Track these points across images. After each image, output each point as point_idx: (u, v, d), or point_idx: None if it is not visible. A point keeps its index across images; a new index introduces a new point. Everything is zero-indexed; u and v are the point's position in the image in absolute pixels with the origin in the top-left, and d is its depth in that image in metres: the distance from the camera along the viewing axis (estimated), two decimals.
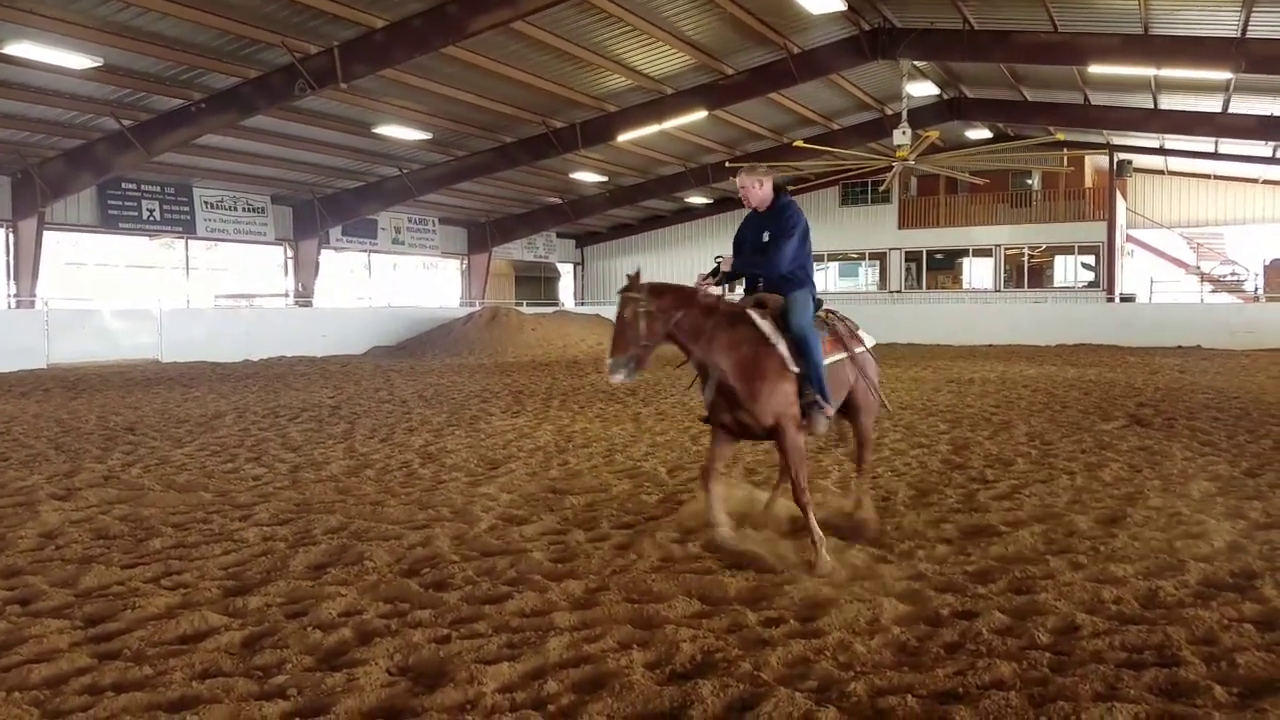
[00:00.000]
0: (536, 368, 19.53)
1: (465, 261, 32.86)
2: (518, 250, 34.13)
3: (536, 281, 36.13)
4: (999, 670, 3.44)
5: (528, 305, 31.23)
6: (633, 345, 4.77)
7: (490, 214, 31.61)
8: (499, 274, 34.34)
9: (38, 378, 16.60)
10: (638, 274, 4.95)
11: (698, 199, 33.11)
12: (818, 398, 4.92)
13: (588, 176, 27.93)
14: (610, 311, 25.08)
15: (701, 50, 18.63)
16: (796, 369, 4.89)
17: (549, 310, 30.77)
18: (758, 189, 5.25)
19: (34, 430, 9.88)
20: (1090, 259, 30.69)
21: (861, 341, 5.51)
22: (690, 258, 35.41)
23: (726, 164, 24.41)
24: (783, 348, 4.89)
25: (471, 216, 31.49)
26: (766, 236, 5.19)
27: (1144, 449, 8.29)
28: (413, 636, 3.82)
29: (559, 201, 30.93)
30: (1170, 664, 3.49)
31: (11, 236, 19.93)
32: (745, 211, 5.49)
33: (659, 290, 4.90)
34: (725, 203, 33.71)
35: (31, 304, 19.91)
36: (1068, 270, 31.89)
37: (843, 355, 5.29)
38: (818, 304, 5.27)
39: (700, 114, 21.26)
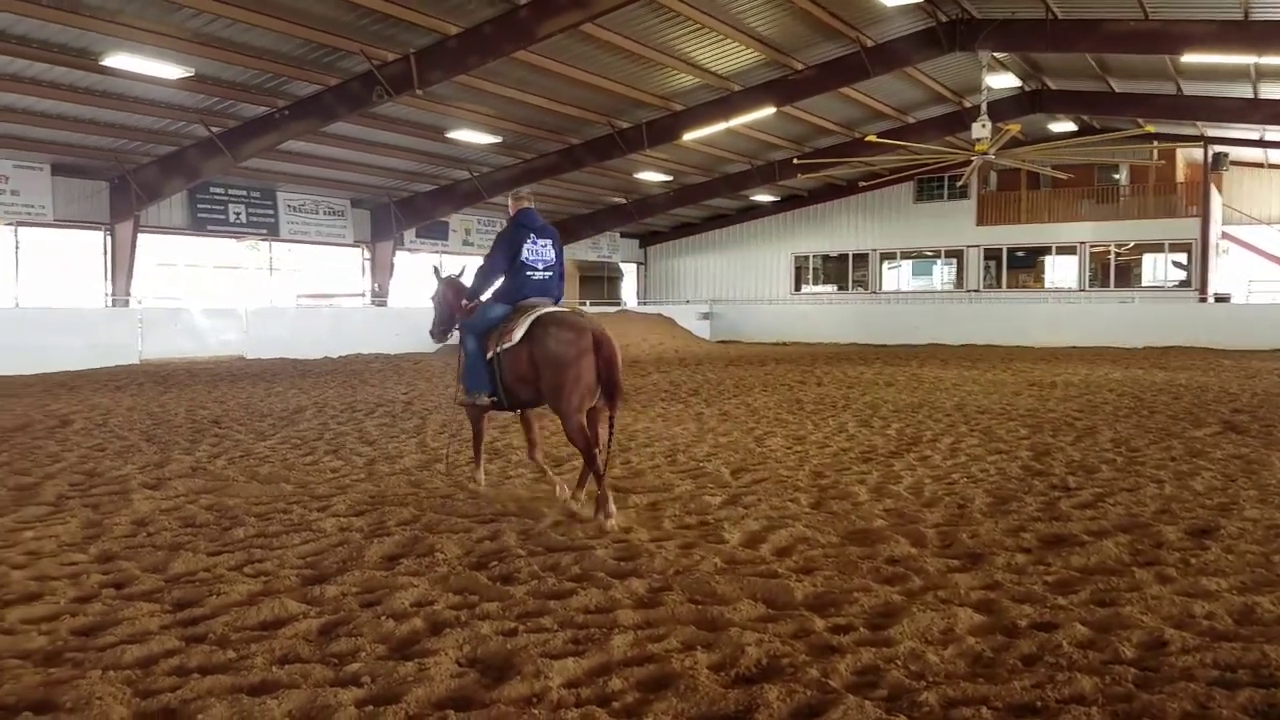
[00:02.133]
0: None
1: None
2: (582, 250, 34.30)
3: (600, 281, 36.26)
4: (1080, 684, 3.31)
5: (591, 305, 31.41)
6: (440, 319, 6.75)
7: (556, 215, 31.86)
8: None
9: (131, 373, 17.33)
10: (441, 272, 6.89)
11: (764, 197, 32.82)
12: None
13: (652, 176, 27.95)
14: (673, 310, 25.19)
15: (771, 46, 18.46)
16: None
17: (612, 310, 30.87)
18: (510, 210, 6.45)
19: (128, 422, 10.33)
20: (1182, 257, 29.43)
21: (509, 338, 5.95)
22: (756, 256, 35.21)
23: (795, 160, 24.12)
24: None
25: None
26: None
27: (1239, 457, 7.92)
28: (481, 628, 3.87)
29: (623, 202, 31.03)
30: (1267, 684, 3.31)
31: (109, 239, 20.85)
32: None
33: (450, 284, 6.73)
34: (792, 200, 33.34)
35: (126, 303, 20.80)
36: (1157, 269, 30.60)
37: (490, 352, 6.09)
38: (514, 302, 6.16)
39: (768, 111, 21.07)
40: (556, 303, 6.32)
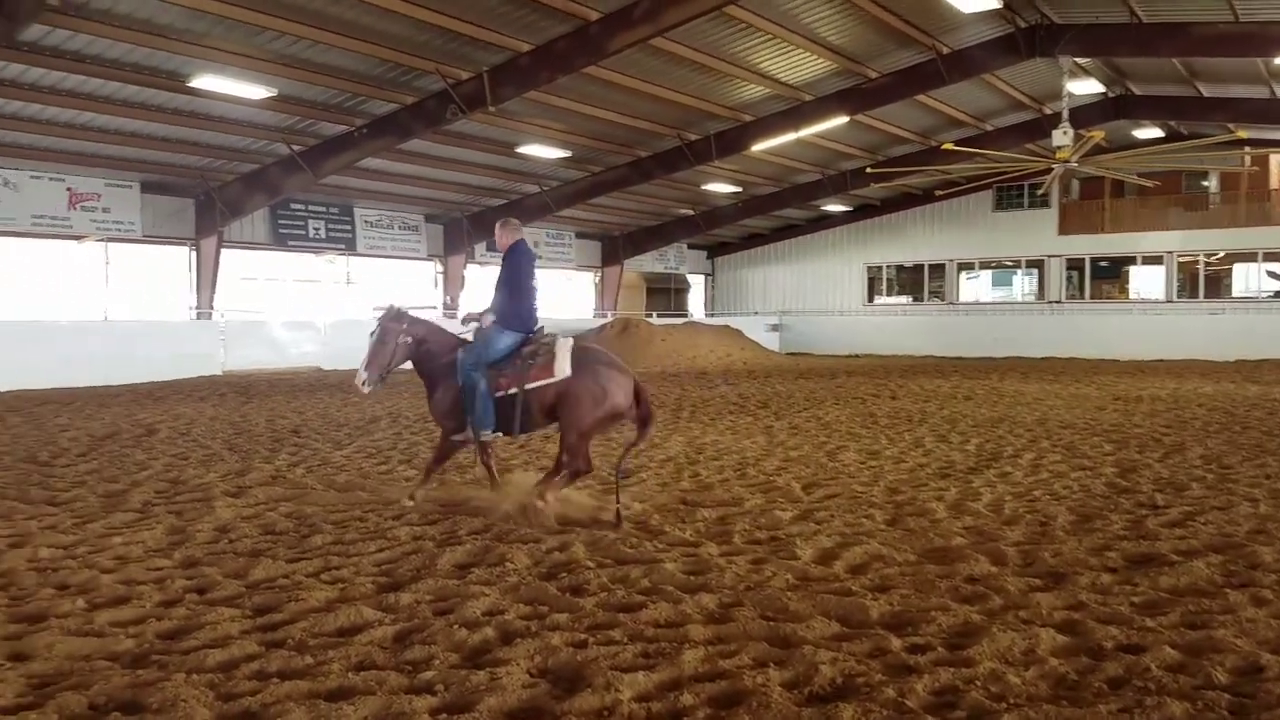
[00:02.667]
0: (666, 378, 19.59)
1: (599, 274, 33.40)
2: (649, 262, 34.40)
3: (667, 293, 36.31)
4: (1170, 710, 3.18)
5: (658, 316, 31.43)
6: (380, 364, 6.34)
7: (624, 227, 32.04)
8: (630, 286, 34.68)
9: (214, 383, 17.96)
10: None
11: (835, 206, 32.43)
12: (469, 419, 6.23)
13: (720, 187, 27.90)
14: (741, 322, 24.83)
15: (843, 55, 18.27)
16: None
17: (679, 321, 30.85)
18: (501, 239, 6.66)
19: (210, 432, 10.68)
20: (1277, 266, 28.13)
21: (550, 373, 6.09)
22: (827, 267, 34.75)
23: (868, 169, 23.76)
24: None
25: (606, 230, 32.02)
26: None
27: None
28: (551, 639, 3.88)
29: (691, 213, 31.04)
30: None
31: (194, 254, 21.64)
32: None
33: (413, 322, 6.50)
34: (865, 209, 32.87)
35: (210, 316, 21.55)
36: (1250, 279, 29.29)
37: (513, 390, 6.12)
38: (527, 330, 6.32)
39: (840, 120, 20.82)
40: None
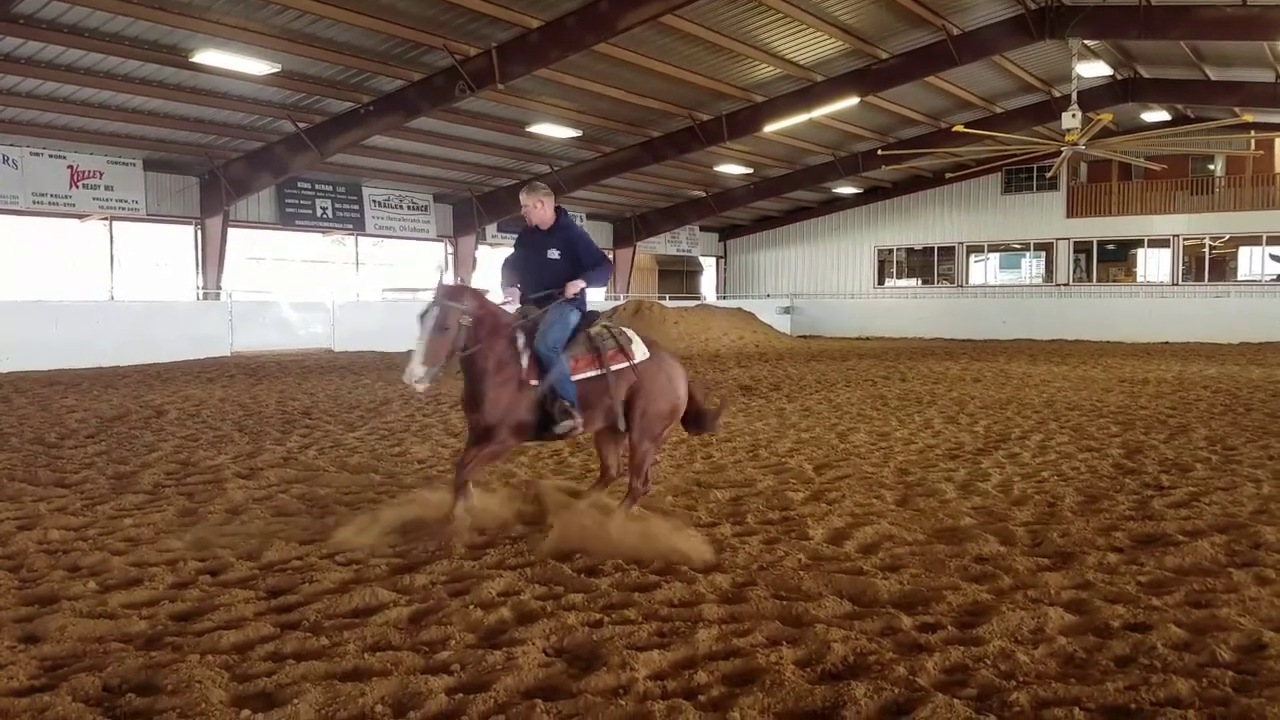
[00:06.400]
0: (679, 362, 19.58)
1: (611, 256, 33.36)
2: (661, 244, 34.34)
3: (679, 275, 36.22)
4: (1175, 687, 3.23)
5: (670, 299, 31.40)
6: (444, 353, 4.98)
7: (635, 209, 31.96)
8: (642, 268, 34.65)
9: (222, 365, 17.97)
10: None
11: (846, 189, 32.36)
12: (563, 404, 5.20)
13: (732, 169, 27.80)
14: (753, 305, 24.61)
15: (854, 35, 18.16)
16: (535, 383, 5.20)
17: (691, 304, 30.82)
18: (539, 208, 5.60)
19: (220, 414, 10.70)
20: None
21: (630, 356, 5.47)
22: (838, 249, 34.73)
23: (879, 152, 23.67)
24: (525, 362, 5.21)
25: (617, 212, 31.95)
26: (556, 254, 5.55)
27: None
28: (567, 619, 3.92)
29: (702, 195, 30.96)
30: None
31: (199, 234, 21.55)
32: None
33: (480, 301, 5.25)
34: (876, 191, 32.79)
35: (217, 296, 21.50)
36: (1254, 262, 29.26)
37: (597, 372, 5.37)
38: (590, 316, 5.52)
39: (852, 101, 20.72)
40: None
